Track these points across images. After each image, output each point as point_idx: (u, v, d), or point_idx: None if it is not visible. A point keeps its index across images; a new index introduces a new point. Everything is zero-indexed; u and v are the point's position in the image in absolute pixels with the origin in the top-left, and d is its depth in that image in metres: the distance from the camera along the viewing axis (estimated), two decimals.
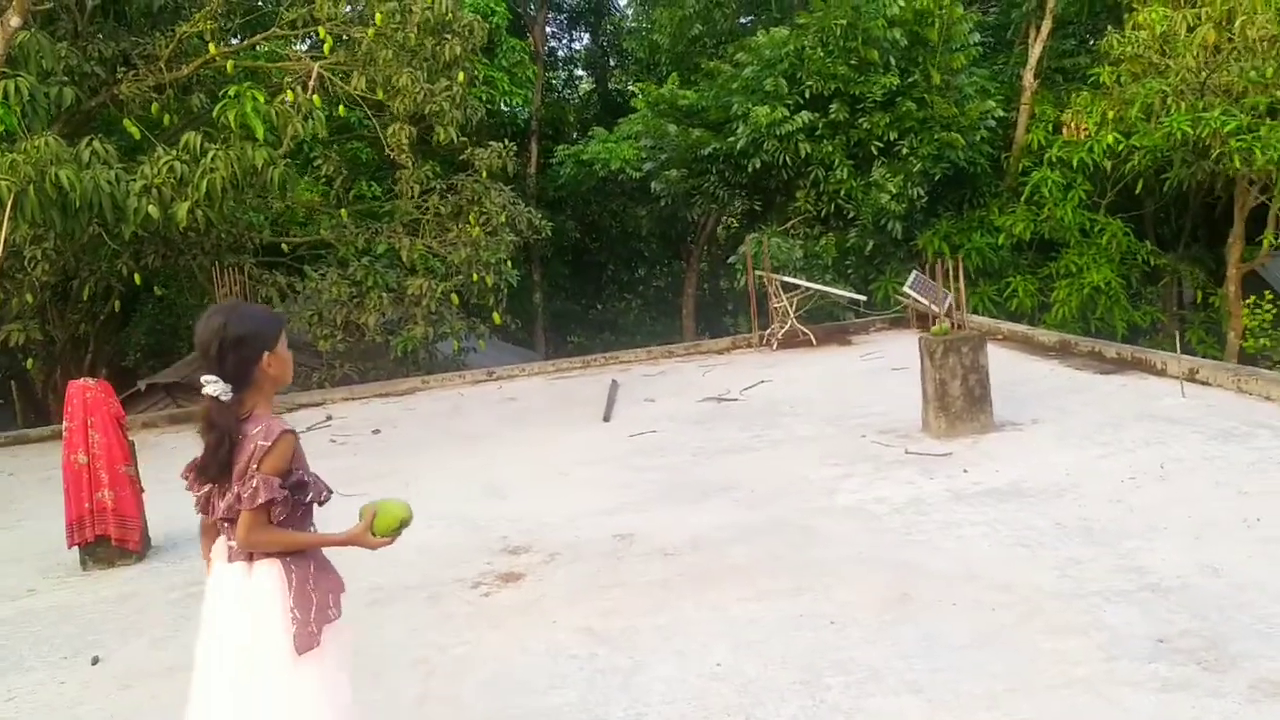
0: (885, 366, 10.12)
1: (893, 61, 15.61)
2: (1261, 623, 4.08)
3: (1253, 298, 12.70)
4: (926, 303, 11.21)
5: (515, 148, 15.43)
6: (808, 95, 15.82)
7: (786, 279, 12.15)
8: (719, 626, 4.59)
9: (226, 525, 2.85)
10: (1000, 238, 15.99)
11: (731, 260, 16.41)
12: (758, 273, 12.08)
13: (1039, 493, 5.92)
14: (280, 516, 2.80)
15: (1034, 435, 7.11)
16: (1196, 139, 12.99)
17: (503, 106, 17.62)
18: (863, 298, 12.37)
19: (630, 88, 26.41)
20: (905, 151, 15.61)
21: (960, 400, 7.17)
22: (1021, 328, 11.23)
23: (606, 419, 9.19)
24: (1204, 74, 13.35)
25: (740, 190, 17.03)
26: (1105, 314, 15.47)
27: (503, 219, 13.97)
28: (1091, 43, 18.24)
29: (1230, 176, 15.18)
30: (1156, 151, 14.35)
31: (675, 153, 17.53)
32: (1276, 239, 13.60)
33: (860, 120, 15.69)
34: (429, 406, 10.76)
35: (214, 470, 2.81)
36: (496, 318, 14.01)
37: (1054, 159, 15.41)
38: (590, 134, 21.04)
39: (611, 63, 27.80)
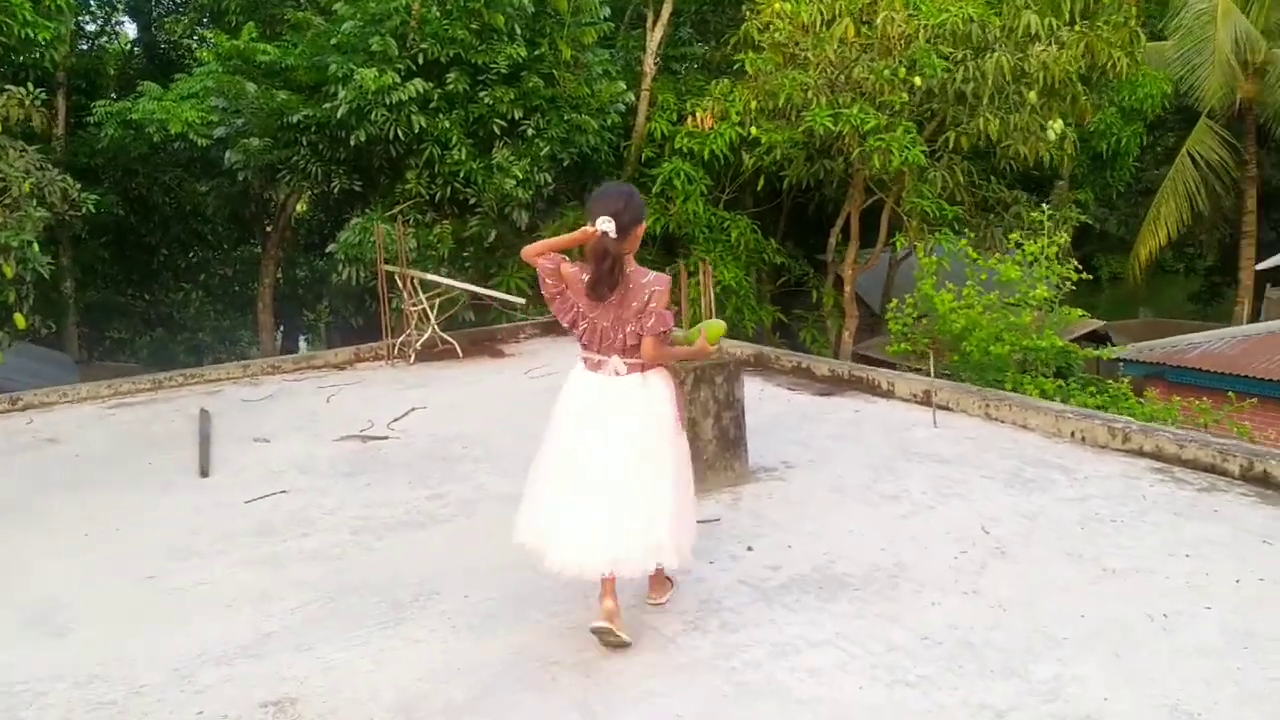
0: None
1: (519, 30, 13.89)
2: None
3: (894, 300, 12.48)
4: None
5: (44, 97, 11.83)
6: (421, 61, 13.67)
7: (428, 276, 9.92)
8: None
9: (628, 349, 3.83)
10: None
11: (331, 249, 13.85)
12: (390, 268, 9.74)
13: (865, 582, 4.44)
14: (670, 338, 3.95)
15: (801, 486, 5.67)
16: (837, 135, 12.57)
17: (22, 44, 13.62)
18: (522, 300, 10.44)
19: (188, 40, 22.60)
20: (532, 132, 13.99)
21: (714, 444, 5.58)
22: None
23: (204, 473, 6.58)
24: (833, 71, 12.99)
25: (339, 167, 14.51)
26: (735, 315, 14.89)
27: (26, 188, 10.49)
28: (711, 28, 17.76)
29: (843, 177, 15.19)
30: (782, 147, 13.90)
31: (256, 118, 14.61)
32: (908, 242, 13.59)
33: (482, 94, 13.81)
34: None
35: (604, 288, 3.74)
36: (20, 320, 10.44)
37: (684, 149, 14.55)
38: (140, 90, 17.27)
39: (161, 9, 23.61)
